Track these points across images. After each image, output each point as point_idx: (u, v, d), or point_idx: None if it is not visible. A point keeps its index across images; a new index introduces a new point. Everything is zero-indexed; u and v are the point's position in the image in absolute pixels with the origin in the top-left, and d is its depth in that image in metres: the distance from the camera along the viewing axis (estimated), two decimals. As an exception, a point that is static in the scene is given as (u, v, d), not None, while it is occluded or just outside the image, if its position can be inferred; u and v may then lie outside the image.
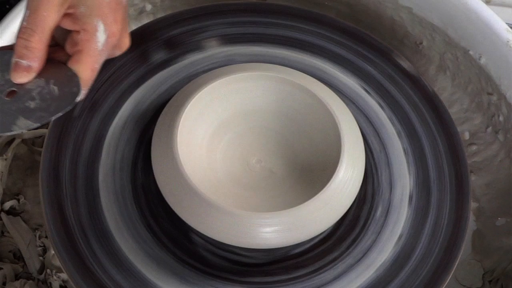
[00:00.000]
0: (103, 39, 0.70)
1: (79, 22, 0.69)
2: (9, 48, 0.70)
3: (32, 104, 0.67)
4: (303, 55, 0.91)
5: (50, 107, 0.68)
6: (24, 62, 0.67)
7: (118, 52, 0.75)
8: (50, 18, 0.67)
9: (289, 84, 0.79)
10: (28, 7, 0.67)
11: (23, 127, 0.67)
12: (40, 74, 0.69)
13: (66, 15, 0.69)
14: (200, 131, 0.78)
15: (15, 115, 0.67)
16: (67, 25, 0.70)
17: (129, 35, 0.76)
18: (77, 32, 0.70)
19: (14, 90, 0.68)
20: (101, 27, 0.70)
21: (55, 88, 0.68)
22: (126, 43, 0.75)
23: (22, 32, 0.66)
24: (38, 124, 0.67)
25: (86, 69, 0.70)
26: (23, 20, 0.67)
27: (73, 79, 0.69)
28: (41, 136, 1.00)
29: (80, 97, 0.69)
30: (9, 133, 0.67)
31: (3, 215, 0.93)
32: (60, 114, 0.68)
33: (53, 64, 0.70)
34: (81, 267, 0.75)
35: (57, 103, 0.68)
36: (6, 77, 0.68)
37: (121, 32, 0.73)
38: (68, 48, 0.72)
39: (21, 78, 0.68)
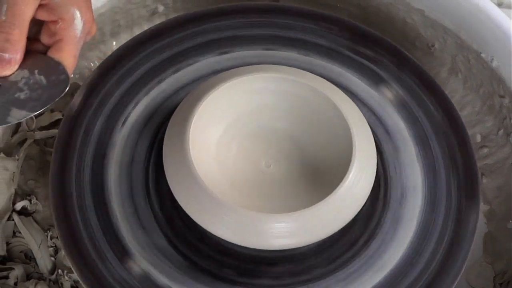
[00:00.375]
0: (80, 26, 0.72)
1: (56, 12, 0.71)
2: None
3: (22, 95, 0.69)
4: (313, 56, 0.91)
5: (42, 96, 0.70)
6: (6, 55, 0.68)
7: (89, 38, 0.77)
8: (28, 11, 0.68)
9: (300, 85, 0.79)
10: (5, 2, 0.68)
11: (19, 117, 0.69)
12: (21, 66, 0.70)
13: (40, 6, 0.70)
14: (212, 132, 0.79)
15: (6, 107, 0.69)
16: (43, 16, 0.71)
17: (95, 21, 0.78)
18: (54, 22, 0.72)
19: None
20: (77, 15, 0.72)
21: (41, 77, 0.70)
22: (94, 28, 0.77)
23: (1, 26, 0.68)
24: (33, 113, 0.69)
25: (69, 57, 0.72)
26: (1, 14, 0.68)
27: (58, 67, 0.71)
28: (53, 137, 1.00)
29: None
30: (5, 125, 0.68)
31: (14, 215, 0.94)
32: (53, 102, 0.70)
33: (32, 55, 0.71)
34: (90, 268, 0.76)
35: (48, 91, 0.70)
36: None
37: (92, 19, 0.75)
38: (45, 39, 0.73)
39: (5, 71, 0.69)
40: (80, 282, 0.76)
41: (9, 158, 0.95)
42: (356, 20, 0.99)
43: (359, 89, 0.89)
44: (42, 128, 1.01)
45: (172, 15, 1.09)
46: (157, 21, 1.09)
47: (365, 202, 0.75)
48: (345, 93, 0.82)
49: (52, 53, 0.72)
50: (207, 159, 0.76)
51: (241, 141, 0.80)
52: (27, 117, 0.69)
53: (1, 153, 0.94)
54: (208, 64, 0.90)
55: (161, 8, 1.08)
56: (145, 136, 0.83)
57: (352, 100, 0.81)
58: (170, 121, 0.78)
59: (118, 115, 0.84)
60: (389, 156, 0.84)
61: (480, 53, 0.97)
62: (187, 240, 0.78)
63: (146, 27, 1.07)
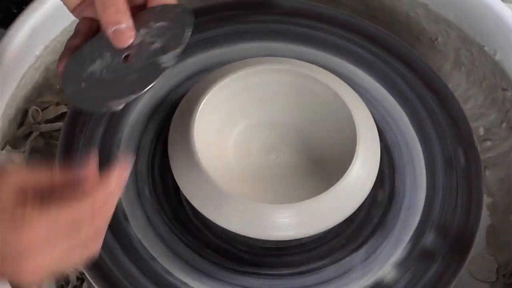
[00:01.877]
0: None
1: None
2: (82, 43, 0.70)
3: (158, 44, 0.67)
4: (314, 49, 0.92)
5: (176, 32, 0.67)
6: (122, 25, 0.66)
7: None
8: None
9: (303, 77, 0.79)
10: None
11: (172, 58, 0.66)
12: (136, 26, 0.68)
13: None
14: (216, 124, 0.79)
15: (153, 61, 0.66)
16: None
17: None
18: None
19: (126, 55, 0.68)
20: None
21: (161, 23, 0.68)
22: None
23: (107, 1, 0.66)
24: (184, 45, 0.66)
25: None
26: None
27: (167, 7, 0.69)
28: (58, 130, 1.00)
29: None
30: (165, 71, 0.66)
31: (20, 208, 0.94)
32: (192, 27, 0.67)
33: (136, 17, 0.68)
34: (95, 259, 0.76)
35: (177, 25, 0.67)
36: (106, 55, 0.68)
37: None
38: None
39: (127, 40, 0.67)
40: (85, 273, 0.77)
41: (15, 150, 0.95)
42: (360, 15, 0.99)
43: (362, 81, 0.89)
44: (48, 121, 1.02)
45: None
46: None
47: (369, 192, 0.76)
48: (350, 86, 0.83)
49: (151, 4, 0.70)
50: (212, 150, 0.77)
51: (245, 132, 0.81)
52: (181, 52, 0.66)
53: (8, 145, 0.95)
54: (213, 57, 0.90)
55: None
56: (150, 127, 0.84)
57: (355, 91, 0.82)
58: (176, 113, 0.79)
59: (124, 106, 0.85)
60: (393, 146, 0.85)
61: (483, 46, 0.97)
62: (192, 230, 0.79)
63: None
